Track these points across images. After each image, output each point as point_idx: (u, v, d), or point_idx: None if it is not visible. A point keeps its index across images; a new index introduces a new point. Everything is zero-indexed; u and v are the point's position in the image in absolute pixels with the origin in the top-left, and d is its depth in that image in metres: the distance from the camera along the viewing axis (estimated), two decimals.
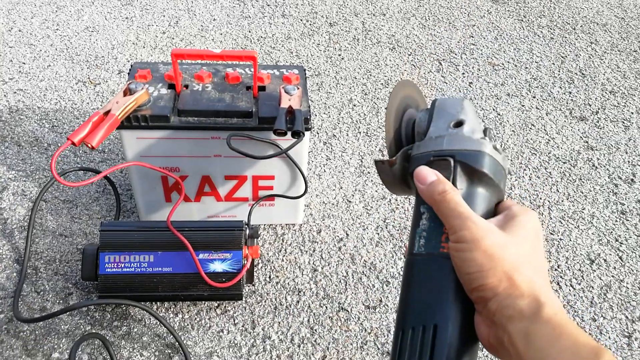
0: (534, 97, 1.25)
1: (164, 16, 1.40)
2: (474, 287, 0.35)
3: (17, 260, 0.78)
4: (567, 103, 1.24)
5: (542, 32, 1.51)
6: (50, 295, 0.74)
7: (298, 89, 0.73)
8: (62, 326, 0.71)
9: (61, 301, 0.74)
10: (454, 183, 0.39)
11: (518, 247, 0.35)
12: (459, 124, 0.42)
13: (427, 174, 0.40)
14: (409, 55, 1.36)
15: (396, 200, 0.95)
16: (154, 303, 0.75)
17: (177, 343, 0.70)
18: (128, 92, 0.70)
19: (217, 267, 0.71)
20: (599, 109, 1.23)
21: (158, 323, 0.72)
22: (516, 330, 0.33)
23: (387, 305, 0.78)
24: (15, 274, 0.76)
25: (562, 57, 1.41)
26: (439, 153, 0.41)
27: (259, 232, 0.75)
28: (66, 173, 0.89)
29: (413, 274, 0.40)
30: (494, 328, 0.34)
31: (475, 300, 0.36)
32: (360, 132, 1.10)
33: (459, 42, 1.44)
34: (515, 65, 1.36)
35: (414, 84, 0.55)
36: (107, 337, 0.70)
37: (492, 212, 0.40)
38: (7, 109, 1.05)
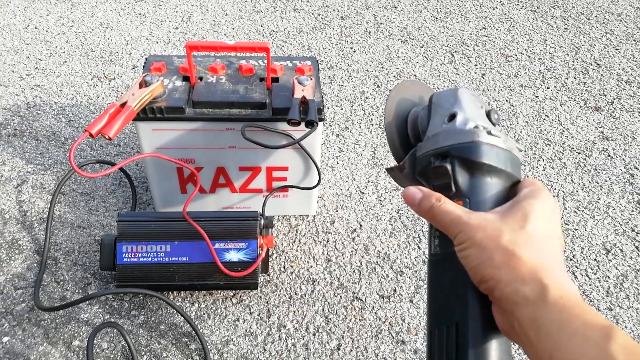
0: (548, 88, 1.24)
1: (176, 12, 1.42)
2: (478, 281, 0.35)
3: (37, 251, 0.80)
4: (582, 93, 1.23)
5: (555, 22, 1.50)
6: (70, 285, 0.76)
7: (311, 79, 0.74)
8: (82, 315, 0.72)
9: (80, 291, 0.75)
10: (455, 182, 0.39)
11: (515, 233, 0.35)
12: (452, 117, 0.41)
13: (413, 195, 0.40)
14: (421, 47, 1.36)
15: None
16: (170, 292, 0.76)
17: (193, 332, 0.71)
18: (144, 84, 0.71)
19: (233, 256, 0.72)
20: (614, 99, 1.22)
21: (175, 312, 0.73)
22: (524, 317, 0.32)
23: (401, 295, 0.78)
24: (35, 265, 0.78)
25: (577, 47, 1.40)
26: (436, 152, 0.41)
27: (273, 222, 0.76)
28: (83, 166, 0.90)
29: (433, 275, 0.41)
30: (505, 316, 0.34)
31: (485, 292, 0.36)
32: (372, 124, 1.10)
33: (471, 33, 1.43)
34: (529, 57, 1.35)
35: (414, 83, 0.54)
36: (125, 326, 0.71)
37: (506, 196, 0.39)
38: (25, 105, 1.07)
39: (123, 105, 0.68)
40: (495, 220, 0.36)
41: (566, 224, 0.91)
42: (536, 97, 1.21)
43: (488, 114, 0.42)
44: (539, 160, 1.04)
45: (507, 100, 1.19)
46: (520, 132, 1.11)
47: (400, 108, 0.50)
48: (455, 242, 0.37)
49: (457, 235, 0.37)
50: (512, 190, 0.40)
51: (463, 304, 0.37)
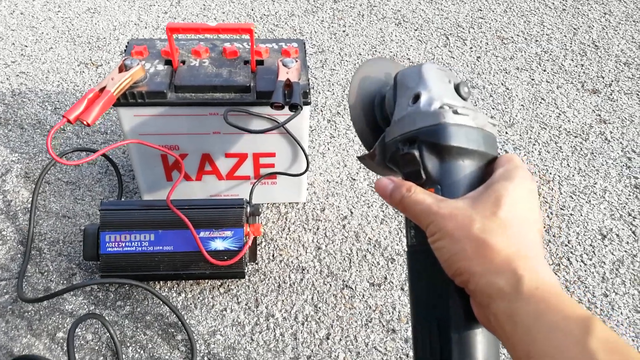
0: (544, 71, 1.22)
1: None
2: (452, 274, 0.34)
3: (21, 241, 0.78)
4: (579, 76, 1.20)
5: (553, 3, 1.46)
6: (54, 276, 0.74)
7: (296, 61, 0.71)
8: (67, 306, 0.71)
9: (65, 281, 0.74)
10: (424, 169, 0.37)
11: (486, 220, 0.32)
12: (417, 97, 0.39)
13: (384, 186, 0.38)
14: (415, 30, 1.33)
15: None
16: (157, 282, 0.74)
17: (180, 322, 0.69)
18: (123, 68, 0.69)
19: (219, 245, 0.70)
20: (612, 81, 1.19)
21: (161, 302, 0.72)
22: (500, 311, 0.31)
23: (392, 283, 0.77)
24: (19, 256, 0.76)
25: (574, 29, 1.37)
26: (403, 137, 0.38)
27: (260, 210, 0.74)
28: (65, 154, 0.88)
29: (411, 268, 0.39)
30: (481, 310, 0.33)
31: (460, 285, 0.34)
32: None
33: (466, 16, 1.40)
34: (525, 39, 1.32)
35: (382, 60, 0.50)
36: (110, 317, 0.70)
37: (481, 177, 0.37)
38: (9, 92, 1.05)
39: (102, 90, 0.66)
40: (466, 207, 0.34)
41: (561, 209, 0.90)
42: (532, 79, 1.19)
43: (457, 88, 0.39)
44: (534, 145, 1.02)
45: (502, 84, 1.17)
46: (516, 115, 1.09)
47: (365, 89, 0.46)
48: (428, 234, 0.35)
49: (429, 227, 0.35)
50: (488, 169, 0.38)
51: (443, 298, 0.35)
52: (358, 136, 0.46)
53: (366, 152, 0.44)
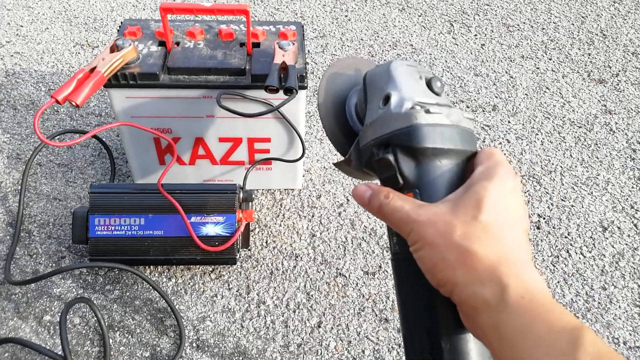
0: (550, 60, 1.19)
1: None
2: (436, 284, 0.32)
3: (11, 223, 0.77)
4: (586, 65, 1.18)
5: None
6: (43, 259, 0.73)
7: (293, 44, 0.69)
8: (55, 289, 0.70)
9: (54, 264, 0.73)
10: (401, 173, 0.35)
11: (467, 226, 0.31)
12: (387, 99, 0.36)
13: (362, 193, 0.37)
14: (419, 16, 1.30)
15: None
16: (147, 267, 0.73)
17: (169, 307, 0.68)
18: (115, 48, 0.67)
19: (210, 230, 0.69)
20: (619, 71, 1.17)
21: (151, 287, 0.71)
22: (485, 323, 0.29)
23: (387, 272, 0.75)
24: (8, 237, 0.75)
25: (583, 17, 1.34)
26: (376, 142, 0.36)
27: (253, 196, 0.73)
28: (56, 136, 0.87)
29: (397, 276, 0.37)
30: (468, 320, 0.31)
31: (445, 295, 0.32)
32: None
33: (472, 2, 1.37)
34: (532, 26, 1.29)
35: (353, 59, 0.47)
36: (99, 301, 0.69)
37: (461, 176, 0.35)
38: (3, 72, 1.03)
39: (92, 70, 0.64)
40: (446, 212, 0.32)
41: (562, 200, 0.88)
42: (537, 68, 1.16)
43: (429, 84, 0.37)
44: (537, 134, 1.00)
45: (506, 72, 1.14)
46: (519, 104, 1.06)
47: (335, 90, 0.44)
48: (409, 243, 0.33)
49: (409, 235, 0.33)
50: (468, 165, 0.36)
51: (430, 307, 0.34)
52: (331, 142, 0.44)
53: (342, 158, 0.43)
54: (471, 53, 1.19)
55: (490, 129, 1.01)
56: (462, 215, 0.31)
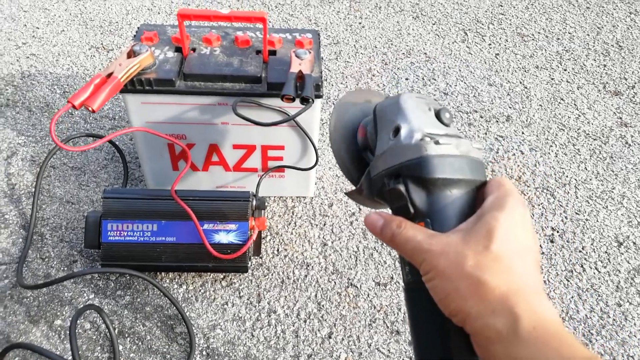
0: (565, 70, 1.18)
1: None
2: (448, 314, 0.32)
3: (24, 226, 0.78)
4: (601, 77, 1.17)
5: (577, 1, 1.42)
6: (55, 262, 0.73)
7: (310, 53, 0.69)
8: (66, 293, 0.70)
9: (66, 268, 0.73)
10: (412, 203, 0.35)
11: (479, 256, 0.31)
12: (397, 130, 0.37)
13: (374, 223, 0.37)
14: (433, 24, 1.30)
15: None
16: (158, 273, 0.73)
17: (180, 314, 0.68)
18: (132, 54, 0.67)
19: (222, 238, 0.69)
20: (635, 83, 1.15)
21: (162, 294, 0.71)
22: (499, 353, 0.29)
23: (398, 283, 0.75)
24: (20, 240, 0.76)
25: (598, 27, 1.33)
26: (387, 172, 0.37)
27: (265, 204, 0.72)
28: (71, 139, 0.87)
29: (409, 305, 0.38)
30: (481, 351, 0.31)
31: (458, 325, 0.32)
32: None
33: (486, 11, 1.36)
34: (547, 36, 1.28)
35: (363, 91, 0.49)
36: (110, 306, 0.69)
37: (471, 205, 0.36)
38: (19, 74, 1.04)
39: (109, 75, 0.64)
40: (458, 242, 0.32)
41: (577, 213, 0.87)
42: (552, 79, 1.15)
43: (438, 115, 0.38)
44: (551, 146, 0.99)
45: (520, 82, 1.14)
46: (533, 115, 1.05)
47: (346, 121, 0.45)
48: (421, 272, 0.33)
49: (421, 265, 0.33)
50: (479, 194, 0.36)
51: (444, 337, 0.34)
52: (341, 170, 0.45)
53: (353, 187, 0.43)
54: (485, 62, 1.19)
55: (503, 139, 1.00)
56: (474, 245, 0.31)
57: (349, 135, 0.44)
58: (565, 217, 0.86)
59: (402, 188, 0.35)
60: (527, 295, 0.30)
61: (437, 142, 0.35)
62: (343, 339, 0.69)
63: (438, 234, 0.33)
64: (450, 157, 0.35)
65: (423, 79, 1.12)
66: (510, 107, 1.07)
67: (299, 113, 0.64)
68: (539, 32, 1.30)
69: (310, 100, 0.63)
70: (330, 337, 0.69)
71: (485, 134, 1.00)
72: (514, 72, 1.16)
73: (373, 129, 0.41)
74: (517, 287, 0.30)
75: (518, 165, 0.95)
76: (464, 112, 1.05)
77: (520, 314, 0.29)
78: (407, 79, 1.12)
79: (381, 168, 0.38)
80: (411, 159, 0.35)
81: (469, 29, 1.29)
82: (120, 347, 0.65)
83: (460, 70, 1.16)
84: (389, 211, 0.39)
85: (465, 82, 1.12)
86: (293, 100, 0.63)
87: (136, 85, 0.67)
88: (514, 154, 0.97)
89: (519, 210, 0.33)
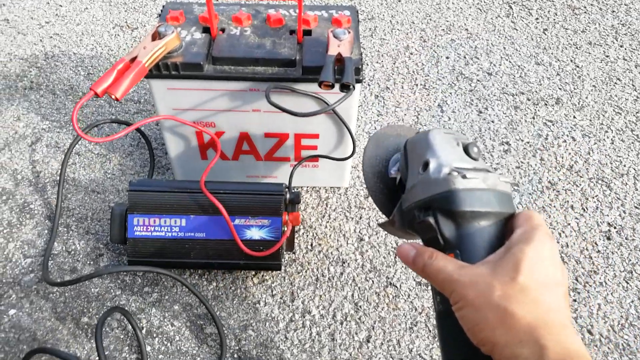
0: (621, 47, 1.08)
1: None
2: (477, 343, 0.33)
3: (49, 216, 0.75)
4: None
5: None
6: (81, 256, 0.70)
7: (349, 32, 0.63)
8: (92, 289, 0.67)
9: (92, 262, 0.70)
10: (442, 235, 0.37)
11: (506, 287, 0.32)
12: (426, 165, 0.39)
13: (407, 253, 0.39)
14: None
15: None
16: (186, 269, 0.70)
17: (209, 314, 0.65)
18: (157, 36, 0.62)
19: (254, 234, 0.65)
20: None
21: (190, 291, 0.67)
22: None
23: None
24: (46, 232, 0.73)
25: None
26: (417, 205, 0.39)
27: (300, 197, 0.68)
28: (95, 125, 0.83)
29: (441, 332, 0.39)
30: None
31: (486, 354, 0.33)
32: (417, 85, 0.98)
33: None
34: (600, 9, 1.18)
35: (395, 126, 0.52)
36: (137, 304, 0.66)
37: (500, 237, 0.37)
38: (42, 55, 1.00)
39: (133, 60, 0.60)
40: (486, 274, 0.33)
41: (636, 207, 0.79)
42: (607, 56, 1.06)
43: (466, 149, 0.40)
44: (606, 132, 0.91)
45: (571, 60, 1.05)
46: (586, 97, 0.97)
47: (379, 155, 0.48)
48: (451, 302, 0.35)
49: (451, 295, 0.35)
50: (508, 226, 0.37)
51: None
52: (374, 202, 0.48)
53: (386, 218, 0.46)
54: (532, 39, 1.10)
55: (553, 124, 0.92)
56: (501, 277, 0.33)
57: (381, 169, 0.47)
58: (624, 212, 0.79)
59: (431, 220, 0.37)
60: (555, 327, 0.31)
61: (464, 176, 0.37)
62: (382, 344, 0.64)
63: (467, 265, 0.35)
64: (477, 191, 0.37)
65: (465, 57, 1.05)
66: (560, 89, 0.99)
67: (339, 102, 0.58)
68: (591, 4, 1.19)
69: (351, 87, 0.57)
70: (368, 341, 0.64)
71: (533, 118, 0.93)
72: (564, 49, 1.07)
73: (404, 163, 0.43)
74: (544, 319, 0.31)
75: (569, 153, 0.87)
76: (509, 94, 0.97)
77: (547, 345, 0.30)
78: (447, 58, 1.04)
79: (412, 201, 0.40)
80: (440, 193, 0.37)
81: (514, 2, 1.19)
82: (149, 348, 0.62)
83: (504, 47, 1.07)
84: (421, 242, 0.41)
85: (510, 61, 1.04)
86: (332, 87, 0.57)
87: (162, 70, 0.62)
88: (565, 141, 0.89)
89: (547, 244, 0.34)
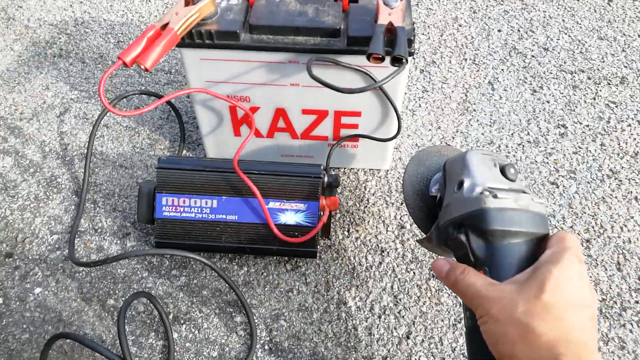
0: None
1: None
2: (498, 357, 0.34)
3: (76, 191, 0.72)
4: None
5: None
6: (108, 235, 0.67)
7: (401, 0, 0.56)
8: (119, 270, 0.64)
9: (119, 241, 0.67)
10: (472, 252, 0.39)
11: (529, 304, 0.33)
12: (460, 184, 0.41)
13: (441, 268, 0.40)
14: None
15: (507, 146, 0.78)
16: (216, 253, 0.66)
17: (240, 301, 0.61)
18: (190, 1, 0.57)
19: (289, 218, 0.60)
20: None
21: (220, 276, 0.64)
22: None
23: None
24: (73, 207, 0.70)
25: None
26: (451, 222, 0.41)
27: (339, 181, 0.63)
28: (125, 97, 0.79)
29: (469, 347, 0.40)
30: None
31: None
32: (465, 59, 0.91)
33: None
34: None
35: (437, 147, 0.53)
36: (164, 287, 0.63)
37: (530, 257, 0.37)
38: (72, 21, 0.97)
39: (164, 27, 0.55)
40: (511, 290, 0.34)
41: None
42: None
43: (503, 171, 0.41)
44: None
45: (639, 35, 0.95)
46: None
47: (421, 174, 0.50)
48: (477, 316, 0.36)
49: (477, 309, 0.36)
50: (540, 247, 0.38)
51: None
52: (413, 220, 0.50)
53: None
54: (595, 11, 1.00)
55: (616, 106, 0.84)
56: (525, 295, 0.34)
57: (422, 187, 0.49)
58: None
59: (463, 238, 0.39)
60: (576, 347, 0.32)
61: (495, 196, 0.38)
62: (423, 341, 0.59)
63: (496, 283, 0.36)
64: (508, 210, 0.38)
65: (519, 30, 0.96)
66: (625, 67, 0.90)
67: (390, 77, 0.52)
68: None
69: (404, 60, 0.51)
70: (408, 338, 0.60)
71: (594, 99, 0.85)
72: (631, 22, 0.97)
73: (443, 182, 0.45)
74: (565, 338, 0.32)
75: (634, 139, 0.79)
76: (567, 71, 0.89)
77: None
78: (499, 31, 0.96)
79: (446, 218, 0.42)
80: (471, 211, 0.39)
81: None
82: (175, 335, 0.59)
83: (563, 20, 0.98)
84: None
85: (569, 35, 0.95)
86: (382, 60, 0.51)
87: (195, 38, 0.57)
88: (630, 125, 0.81)
89: (575, 266, 0.35)
